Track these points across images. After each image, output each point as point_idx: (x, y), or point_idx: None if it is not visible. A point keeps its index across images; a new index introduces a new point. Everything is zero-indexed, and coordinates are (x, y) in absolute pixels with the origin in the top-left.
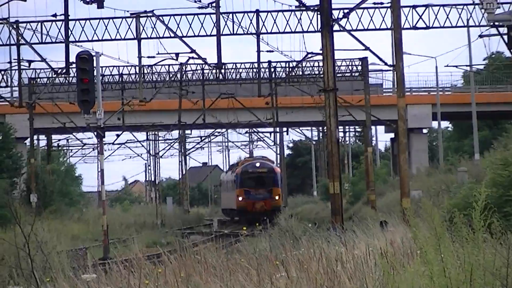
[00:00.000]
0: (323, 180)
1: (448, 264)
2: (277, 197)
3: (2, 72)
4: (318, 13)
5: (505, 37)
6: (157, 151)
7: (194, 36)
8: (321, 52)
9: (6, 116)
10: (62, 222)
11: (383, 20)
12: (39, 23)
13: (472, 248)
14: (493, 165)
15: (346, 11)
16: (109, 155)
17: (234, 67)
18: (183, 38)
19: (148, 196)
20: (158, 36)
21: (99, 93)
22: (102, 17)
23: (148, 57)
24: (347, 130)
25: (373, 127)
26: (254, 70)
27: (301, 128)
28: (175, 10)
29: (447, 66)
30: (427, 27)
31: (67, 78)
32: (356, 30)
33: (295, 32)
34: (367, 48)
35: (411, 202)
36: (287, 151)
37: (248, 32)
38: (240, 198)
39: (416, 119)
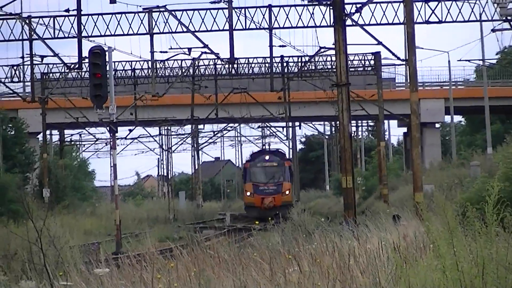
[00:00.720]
0: (336, 175)
1: (461, 258)
2: (287, 192)
3: (15, 67)
4: (331, 7)
5: None
6: (170, 146)
7: (207, 31)
8: (333, 46)
9: (18, 111)
10: (75, 217)
11: (396, 14)
12: (52, 18)
13: (485, 242)
14: (505, 159)
15: (359, 5)
16: (122, 150)
17: (246, 62)
18: (196, 33)
19: (161, 191)
20: (170, 31)
21: (112, 88)
22: (115, 12)
23: (161, 52)
24: (360, 124)
25: (385, 122)
26: (267, 65)
27: (313, 123)
28: (188, 5)
29: (459, 60)
30: (440, 22)
31: (80, 73)
32: (369, 24)
33: (307, 26)
34: (379, 43)
35: (423, 196)
36: (299, 146)
37: (261, 27)
38: (248, 193)
39: (428, 114)
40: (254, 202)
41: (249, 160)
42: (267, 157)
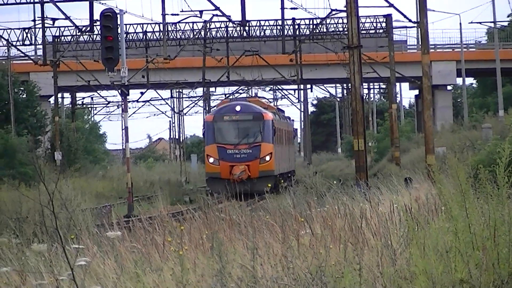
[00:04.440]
0: (348, 137)
1: (473, 220)
2: (267, 158)
3: (26, 30)
4: None
5: None
6: (182, 109)
7: None
8: (345, 9)
9: (30, 74)
10: (87, 180)
11: None
12: None
13: (497, 204)
14: None
15: None
16: (133, 113)
17: (258, 24)
18: None
19: (173, 154)
20: None
21: (123, 51)
22: None
23: (172, 14)
24: (372, 87)
25: (397, 84)
26: (278, 27)
27: (325, 85)
28: None
29: (471, 22)
30: None
31: (91, 36)
32: None
33: None
34: (391, 5)
35: (435, 158)
36: (311, 108)
37: None
38: (211, 160)
39: (440, 76)
40: (219, 172)
41: (214, 112)
42: (238, 108)
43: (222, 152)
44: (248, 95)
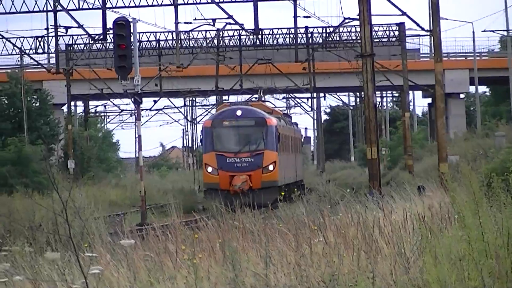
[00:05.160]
0: (361, 145)
1: (486, 228)
2: (271, 167)
3: (39, 39)
4: None
5: None
6: (195, 117)
7: (231, 1)
8: (358, 17)
9: (43, 83)
10: (100, 188)
11: None
12: None
13: (510, 213)
14: None
15: None
16: (147, 121)
17: (271, 32)
18: (220, 4)
19: (186, 162)
20: (195, 1)
21: (136, 59)
22: None
23: (185, 23)
24: (385, 95)
25: (410, 92)
26: (291, 35)
27: (338, 94)
28: None
29: (484, 31)
30: None
31: (104, 44)
32: None
33: None
34: (404, 13)
35: (448, 167)
36: (324, 117)
37: None
38: (210, 169)
39: (453, 84)
40: (218, 182)
41: (213, 117)
42: (239, 112)
43: (221, 161)
44: (248, 101)
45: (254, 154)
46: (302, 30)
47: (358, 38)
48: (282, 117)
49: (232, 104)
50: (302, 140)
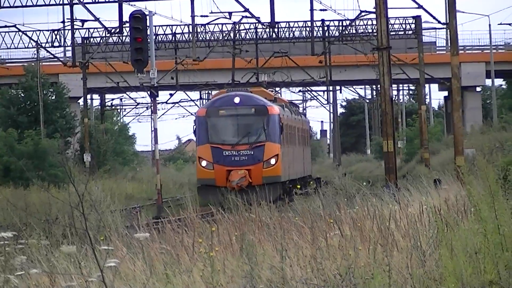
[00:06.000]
0: (377, 139)
1: (502, 221)
2: (273, 161)
3: (55, 32)
4: None
5: None
6: None
7: None
8: (374, 10)
9: (59, 76)
10: (116, 182)
11: None
12: None
13: None
14: None
15: None
16: (163, 114)
17: (287, 26)
18: None
19: None
20: None
21: (153, 52)
22: None
23: (202, 16)
24: (401, 88)
25: (426, 85)
26: (307, 28)
27: (354, 87)
28: None
29: (500, 24)
30: None
31: (121, 38)
32: None
33: None
34: (420, 6)
35: (465, 160)
36: (340, 110)
37: None
38: (204, 163)
39: (469, 77)
40: (213, 178)
41: (208, 105)
42: (236, 99)
43: (217, 154)
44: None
45: (254, 147)
46: (319, 23)
47: (375, 31)
48: (288, 106)
49: (230, 91)
50: (310, 132)
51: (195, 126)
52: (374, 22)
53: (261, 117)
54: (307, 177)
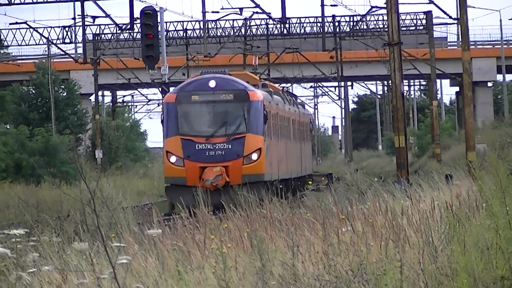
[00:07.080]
0: (388, 134)
1: None
2: (255, 156)
3: (66, 29)
4: None
5: None
6: None
7: None
8: (385, 6)
9: (70, 73)
10: (128, 178)
11: None
12: None
13: None
14: None
15: None
16: None
17: (298, 21)
18: None
19: None
20: None
21: (164, 48)
22: None
23: (213, 12)
24: (412, 83)
25: (438, 81)
26: (319, 24)
27: (365, 82)
28: None
29: (511, 19)
30: None
31: (132, 34)
32: None
33: None
34: (431, 2)
35: (476, 155)
36: (352, 105)
37: None
38: (173, 159)
39: (480, 72)
40: (184, 176)
41: (178, 89)
42: (212, 83)
43: (188, 148)
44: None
45: (232, 139)
46: (330, 19)
47: (386, 26)
48: (280, 94)
49: (205, 73)
50: (311, 125)
51: (162, 115)
52: (385, 17)
53: (241, 104)
54: (306, 177)
